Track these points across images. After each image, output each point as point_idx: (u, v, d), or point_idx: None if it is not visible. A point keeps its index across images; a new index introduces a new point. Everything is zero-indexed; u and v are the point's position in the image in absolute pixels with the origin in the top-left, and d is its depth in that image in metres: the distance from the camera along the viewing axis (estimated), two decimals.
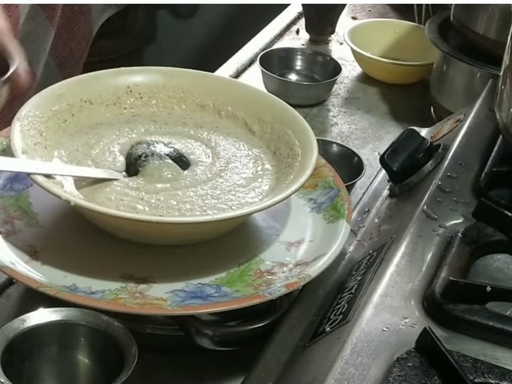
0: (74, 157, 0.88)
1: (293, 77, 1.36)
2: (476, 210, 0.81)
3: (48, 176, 0.81)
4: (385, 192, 0.97)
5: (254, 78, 1.34)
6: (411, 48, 1.41)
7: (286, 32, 1.54)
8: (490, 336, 0.68)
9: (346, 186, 0.94)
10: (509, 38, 0.89)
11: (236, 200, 0.86)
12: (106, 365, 0.74)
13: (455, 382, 0.61)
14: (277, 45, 1.48)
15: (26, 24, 1.14)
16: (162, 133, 0.93)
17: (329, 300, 0.81)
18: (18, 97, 1.14)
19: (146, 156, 0.87)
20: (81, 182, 0.85)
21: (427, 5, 1.46)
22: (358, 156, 1.09)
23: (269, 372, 0.74)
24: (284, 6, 1.62)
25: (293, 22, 1.56)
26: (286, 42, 1.50)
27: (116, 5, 1.47)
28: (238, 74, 1.38)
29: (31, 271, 0.79)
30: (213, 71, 1.25)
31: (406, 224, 0.82)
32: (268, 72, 1.30)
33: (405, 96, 1.36)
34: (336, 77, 1.31)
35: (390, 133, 1.25)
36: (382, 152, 0.95)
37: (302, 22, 1.54)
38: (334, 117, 1.29)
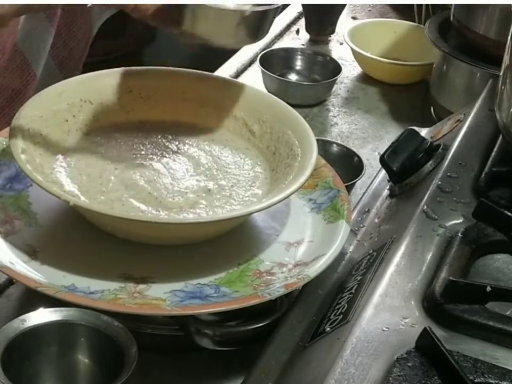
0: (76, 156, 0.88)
1: (293, 77, 1.36)
2: (475, 210, 0.81)
3: None
4: (385, 192, 0.97)
5: (254, 78, 1.34)
6: (411, 48, 1.41)
7: (286, 32, 1.54)
8: (490, 336, 0.68)
9: (346, 186, 0.94)
10: (509, 38, 0.89)
11: (235, 201, 0.86)
12: (106, 365, 0.74)
13: (455, 382, 0.61)
14: (277, 45, 1.48)
15: (26, 24, 1.14)
16: None
17: (329, 300, 0.80)
18: (18, 97, 1.14)
19: None
20: None
21: (427, 5, 1.47)
22: (358, 156, 1.09)
23: (269, 371, 0.74)
24: (284, 6, 1.62)
25: (293, 22, 1.56)
26: (286, 42, 1.50)
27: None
28: (238, 74, 1.38)
29: (30, 271, 0.79)
30: (213, 71, 1.25)
31: (406, 224, 0.81)
32: (268, 72, 1.29)
33: (405, 96, 1.36)
34: (336, 77, 1.31)
35: (390, 133, 1.25)
36: (382, 152, 0.94)
37: (302, 22, 1.54)
38: (334, 117, 1.29)
